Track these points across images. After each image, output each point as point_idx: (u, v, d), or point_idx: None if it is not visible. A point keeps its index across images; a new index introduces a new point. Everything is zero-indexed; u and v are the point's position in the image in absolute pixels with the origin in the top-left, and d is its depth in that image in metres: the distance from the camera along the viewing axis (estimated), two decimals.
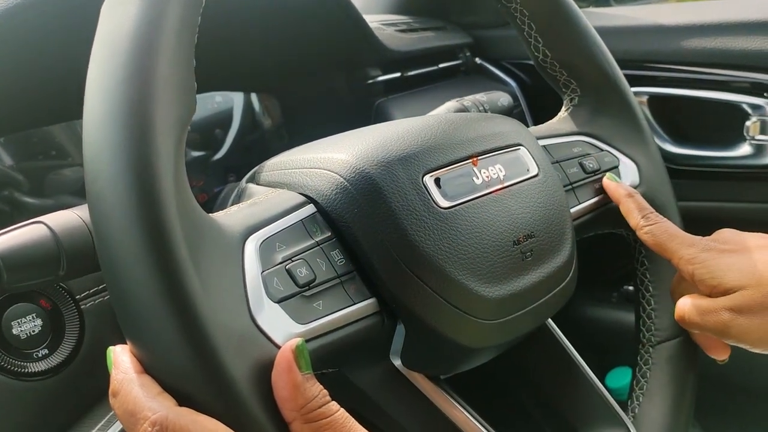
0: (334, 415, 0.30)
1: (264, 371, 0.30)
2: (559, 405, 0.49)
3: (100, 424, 0.46)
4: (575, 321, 0.84)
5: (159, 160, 0.29)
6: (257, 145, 0.83)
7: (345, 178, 0.38)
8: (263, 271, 0.33)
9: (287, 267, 0.34)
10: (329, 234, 0.38)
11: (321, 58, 0.79)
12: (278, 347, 0.32)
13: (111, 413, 0.47)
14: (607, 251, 0.72)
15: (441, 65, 0.90)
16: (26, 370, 0.42)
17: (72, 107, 0.58)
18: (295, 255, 0.35)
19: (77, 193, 0.67)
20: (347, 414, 0.31)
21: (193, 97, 0.32)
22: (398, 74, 0.84)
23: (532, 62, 0.95)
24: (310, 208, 0.38)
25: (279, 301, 0.33)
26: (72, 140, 0.67)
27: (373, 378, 0.41)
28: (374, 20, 0.84)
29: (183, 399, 0.29)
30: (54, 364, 0.43)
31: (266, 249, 0.34)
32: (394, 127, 0.43)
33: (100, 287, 0.47)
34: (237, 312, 0.31)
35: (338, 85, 0.83)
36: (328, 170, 0.39)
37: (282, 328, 0.33)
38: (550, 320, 0.50)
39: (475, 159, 0.43)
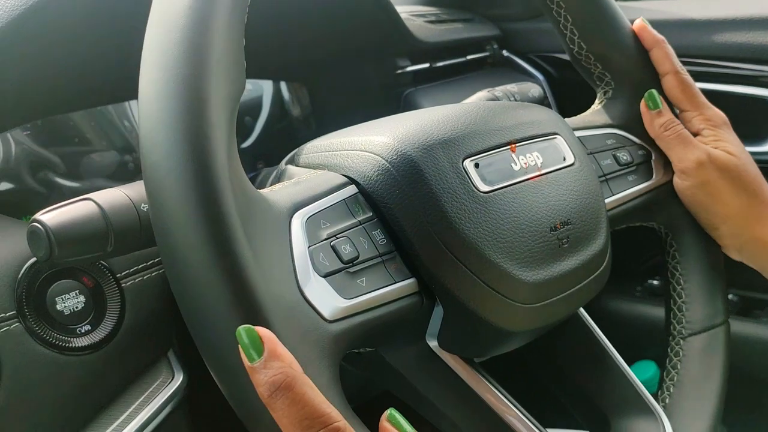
0: None
1: (311, 342, 0.31)
2: (590, 392, 0.49)
3: (139, 401, 0.47)
4: (599, 314, 0.84)
5: (213, 134, 0.29)
6: (285, 133, 0.84)
7: (387, 160, 0.39)
8: (309, 246, 0.34)
9: (332, 243, 0.35)
10: (371, 214, 0.38)
11: (351, 48, 0.80)
12: (325, 319, 0.32)
13: (149, 391, 0.48)
14: (632, 245, 0.72)
15: (469, 57, 0.90)
16: (70, 345, 0.43)
17: (124, 87, 0.59)
18: (339, 232, 0.36)
19: (110, 177, 0.68)
20: None
21: (243, 74, 0.33)
22: (427, 65, 0.84)
23: (559, 55, 0.96)
24: (351, 189, 0.39)
25: (325, 276, 0.34)
26: (106, 125, 0.68)
27: (408, 359, 0.42)
28: (404, 11, 0.84)
29: (235, 373, 0.29)
30: (96, 340, 0.44)
31: (312, 225, 0.35)
32: (433, 113, 0.43)
33: (140, 267, 0.48)
34: (286, 283, 0.32)
35: (367, 74, 0.84)
36: (371, 152, 0.40)
37: (328, 301, 0.33)
38: (581, 309, 0.51)
39: (513, 146, 0.43)
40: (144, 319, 0.47)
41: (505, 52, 0.97)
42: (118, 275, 0.47)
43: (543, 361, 0.51)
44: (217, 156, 0.29)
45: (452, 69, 0.89)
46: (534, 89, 0.69)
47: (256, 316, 0.29)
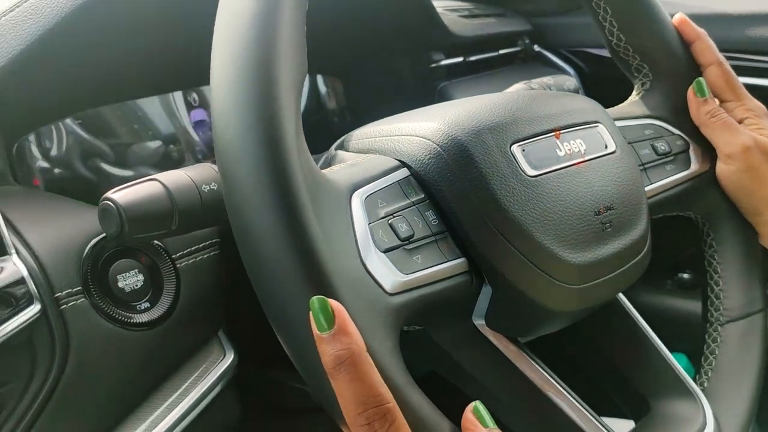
0: None
1: (375, 312, 0.33)
2: (629, 376, 0.50)
3: (193, 377, 0.49)
4: None
5: (284, 114, 0.31)
6: (321, 125, 0.86)
7: (438, 145, 0.40)
8: (370, 223, 0.36)
9: (389, 222, 0.37)
10: (423, 196, 0.40)
11: (387, 41, 0.81)
12: (386, 292, 0.34)
13: (202, 368, 0.50)
14: (663, 238, 0.73)
15: (501, 51, 0.92)
16: (132, 321, 0.45)
17: (192, 74, 0.61)
18: (395, 212, 0.38)
19: (155, 166, 0.70)
20: None
21: (306, 58, 0.35)
22: (461, 59, 0.85)
23: (590, 50, 0.97)
24: (404, 172, 0.40)
25: (385, 251, 0.35)
26: (151, 116, 0.70)
27: (455, 338, 0.43)
28: (438, 5, 0.85)
29: (304, 340, 0.31)
30: (155, 317, 0.46)
31: (370, 204, 0.37)
32: (480, 100, 0.45)
33: (193, 249, 0.50)
34: (351, 257, 0.33)
35: (401, 68, 0.85)
36: (422, 137, 0.41)
37: (388, 275, 0.35)
38: (620, 294, 0.52)
39: (557, 132, 0.45)
40: (197, 299, 0.49)
41: (536, 47, 0.98)
42: (174, 256, 0.48)
43: (582, 345, 0.52)
44: (288, 136, 0.31)
45: (484, 63, 0.90)
46: (569, 82, 0.70)
47: (326, 287, 0.30)
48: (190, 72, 0.62)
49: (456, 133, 0.40)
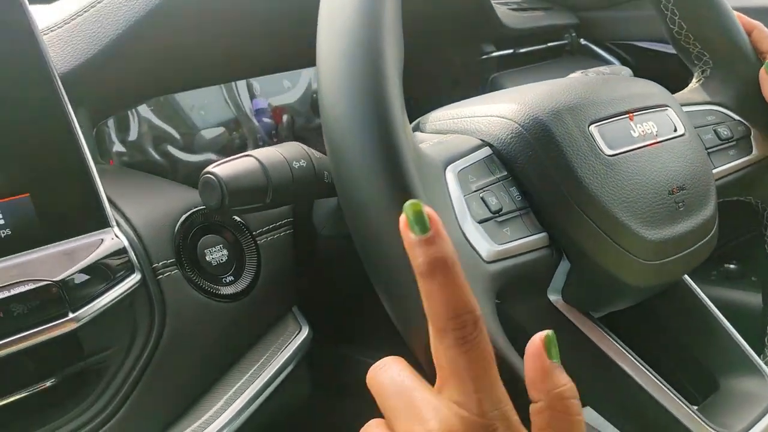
0: (577, 417, 0.30)
1: (474, 278, 0.34)
2: (697, 353, 0.51)
3: (271, 349, 0.51)
4: None
5: (391, 90, 0.33)
6: None
7: (520, 124, 0.42)
8: (465, 195, 0.37)
9: (481, 195, 0.38)
10: (506, 173, 0.41)
11: (441, 33, 0.83)
12: (483, 259, 0.36)
13: (280, 341, 0.52)
14: None
15: (549, 44, 0.93)
16: (219, 292, 0.47)
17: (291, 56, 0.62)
18: (484, 186, 0.39)
19: (219, 152, 0.72)
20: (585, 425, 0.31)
21: (402, 37, 0.36)
22: (511, 50, 0.87)
23: (637, 43, 0.98)
24: (486, 150, 0.42)
25: (480, 222, 0.37)
26: (218, 102, 0.73)
27: (531, 312, 0.45)
28: None
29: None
30: (239, 290, 0.48)
31: (462, 178, 0.38)
32: (555, 83, 0.46)
33: (272, 226, 0.52)
34: (451, 225, 0.35)
35: (452, 59, 0.87)
36: (503, 117, 0.43)
37: (484, 244, 0.37)
38: (686, 275, 0.53)
39: (631, 114, 0.46)
40: (275, 275, 0.51)
41: (582, 41, 0.99)
42: (255, 233, 0.51)
43: (648, 324, 0.54)
44: (396, 110, 0.33)
45: (533, 56, 0.92)
46: (624, 71, 0.71)
47: None
48: (285, 55, 0.64)
49: (537, 114, 0.42)
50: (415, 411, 0.29)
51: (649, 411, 0.43)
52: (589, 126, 0.43)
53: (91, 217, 0.41)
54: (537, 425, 0.30)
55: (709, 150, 0.56)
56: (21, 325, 0.37)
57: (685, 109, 0.57)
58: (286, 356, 0.51)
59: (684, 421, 0.44)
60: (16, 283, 0.37)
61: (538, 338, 0.31)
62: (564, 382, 0.30)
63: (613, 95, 0.46)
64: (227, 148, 0.73)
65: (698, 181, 0.47)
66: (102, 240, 0.42)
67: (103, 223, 0.42)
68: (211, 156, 0.72)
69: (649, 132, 0.46)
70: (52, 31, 0.49)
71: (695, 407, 0.46)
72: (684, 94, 0.60)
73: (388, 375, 0.31)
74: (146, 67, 0.55)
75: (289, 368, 0.51)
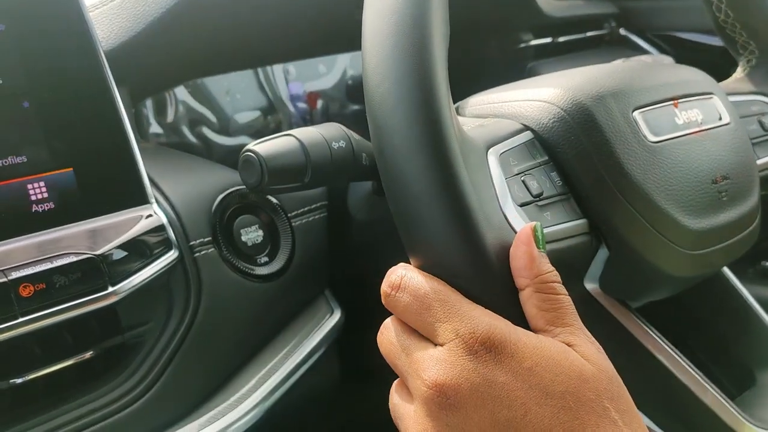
0: (562, 296, 0.32)
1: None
2: (733, 347, 0.50)
3: (304, 330, 0.51)
4: None
5: (437, 66, 0.32)
6: None
7: (563, 109, 0.41)
8: (506, 178, 0.37)
9: (522, 178, 0.38)
10: (547, 158, 0.41)
11: (479, 20, 0.82)
12: None
13: (312, 322, 0.52)
14: None
15: (588, 33, 0.91)
16: (253, 272, 0.47)
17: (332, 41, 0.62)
18: (526, 170, 0.39)
19: (254, 135, 0.73)
20: (572, 302, 0.33)
21: (448, 17, 0.36)
22: (549, 39, 0.86)
23: (677, 34, 0.96)
24: (527, 135, 0.41)
25: (521, 205, 0.36)
26: (254, 86, 0.73)
27: None
28: None
29: (449, 276, 0.32)
30: (274, 271, 0.49)
31: (504, 161, 0.38)
32: (598, 68, 0.45)
33: (306, 209, 0.52)
34: (492, 207, 0.34)
35: (490, 47, 0.86)
36: (545, 101, 0.42)
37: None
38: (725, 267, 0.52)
39: (676, 101, 0.45)
40: (309, 257, 0.51)
41: (621, 31, 0.97)
42: (290, 214, 0.51)
43: (685, 317, 0.53)
44: (442, 88, 0.32)
45: (571, 45, 0.90)
46: (667, 60, 0.70)
47: (473, 233, 0.31)
48: (322, 39, 0.64)
49: (580, 98, 0.41)
50: (414, 366, 0.31)
51: (685, 402, 0.43)
52: (632, 112, 0.42)
53: (131, 194, 0.42)
54: (528, 312, 0.32)
55: (753, 140, 0.54)
56: (62, 297, 0.37)
57: (730, 98, 0.56)
58: (318, 339, 0.51)
59: (721, 414, 0.43)
60: (58, 255, 0.38)
61: (528, 227, 0.33)
62: (549, 269, 0.32)
63: (657, 81, 0.45)
64: (262, 132, 0.74)
65: (742, 171, 0.46)
66: (141, 216, 0.42)
67: (143, 199, 0.42)
68: (246, 139, 0.72)
69: (694, 120, 0.45)
70: (96, 9, 0.49)
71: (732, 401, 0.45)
72: (729, 83, 0.59)
73: (387, 338, 0.33)
74: (186, 49, 0.55)
75: (321, 351, 0.51)
